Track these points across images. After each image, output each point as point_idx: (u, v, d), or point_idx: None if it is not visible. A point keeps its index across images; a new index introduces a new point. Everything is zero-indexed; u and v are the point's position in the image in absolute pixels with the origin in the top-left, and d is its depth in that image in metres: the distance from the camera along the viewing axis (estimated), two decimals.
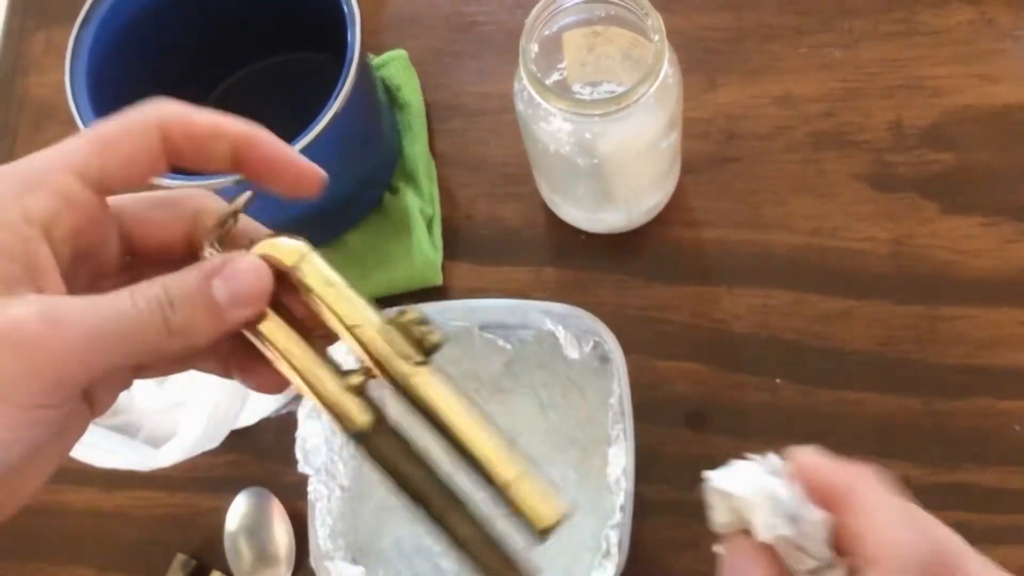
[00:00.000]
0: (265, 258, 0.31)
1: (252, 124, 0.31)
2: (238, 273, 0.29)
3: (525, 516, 0.29)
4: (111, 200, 0.30)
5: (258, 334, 0.31)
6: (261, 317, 0.31)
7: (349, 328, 0.30)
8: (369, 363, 0.30)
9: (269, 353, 0.31)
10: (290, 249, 0.31)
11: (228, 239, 0.32)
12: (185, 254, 0.32)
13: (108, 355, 0.27)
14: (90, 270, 0.31)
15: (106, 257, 0.31)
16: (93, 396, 0.31)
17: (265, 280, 0.30)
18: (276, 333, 0.31)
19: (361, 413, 0.30)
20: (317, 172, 0.32)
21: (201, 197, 0.32)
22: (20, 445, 0.27)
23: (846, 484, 0.32)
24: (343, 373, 0.31)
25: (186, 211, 0.32)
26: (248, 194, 0.32)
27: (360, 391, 0.30)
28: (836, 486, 0.32)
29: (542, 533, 0.29)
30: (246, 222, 0.33)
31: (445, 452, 0.30)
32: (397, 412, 0.30)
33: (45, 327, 0.26)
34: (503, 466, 0.29)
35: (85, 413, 0.31)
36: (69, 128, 0.71)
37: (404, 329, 0.30)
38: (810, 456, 0.33)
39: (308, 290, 0.30)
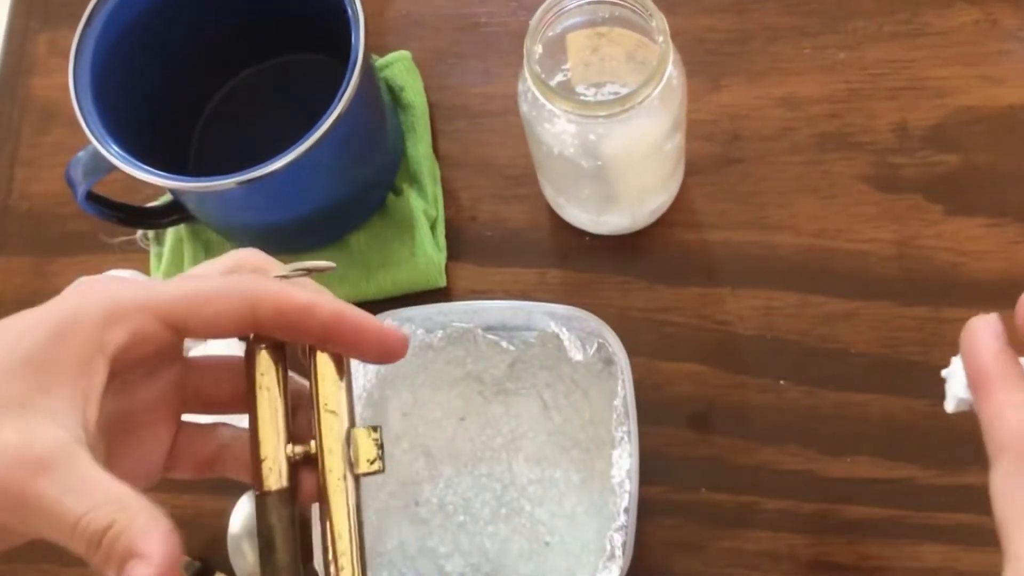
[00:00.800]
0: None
1: (339, 301, 0.33)
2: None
3: None
4: (164, 316, 0.32)
5: (251, 356, 0.34)
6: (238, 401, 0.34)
7: (322, 408, 0.33)
8: (316, 446, 0.33)
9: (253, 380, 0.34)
10: None
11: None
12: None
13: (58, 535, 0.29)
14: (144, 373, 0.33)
15: (163, 371, 0.34)
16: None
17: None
18: (266, 372, 0.34)
19: (279, 477, 0.33)
20: (401, 337, 0.34)
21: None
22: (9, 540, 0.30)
23: (988, 373, 0.33)
24: (293, 442, 0.33)
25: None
26: None
27: (293, 463, 0.33)
28: (982, 372, 0.34)
29: None
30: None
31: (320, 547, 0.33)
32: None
33: (53, 476, 0.28)
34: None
35: None
36: (73, 130, 0.71)
37: (363, 443, 0.33)
38: (977, 339, 0.35)
39: (314, 361, 0.33)
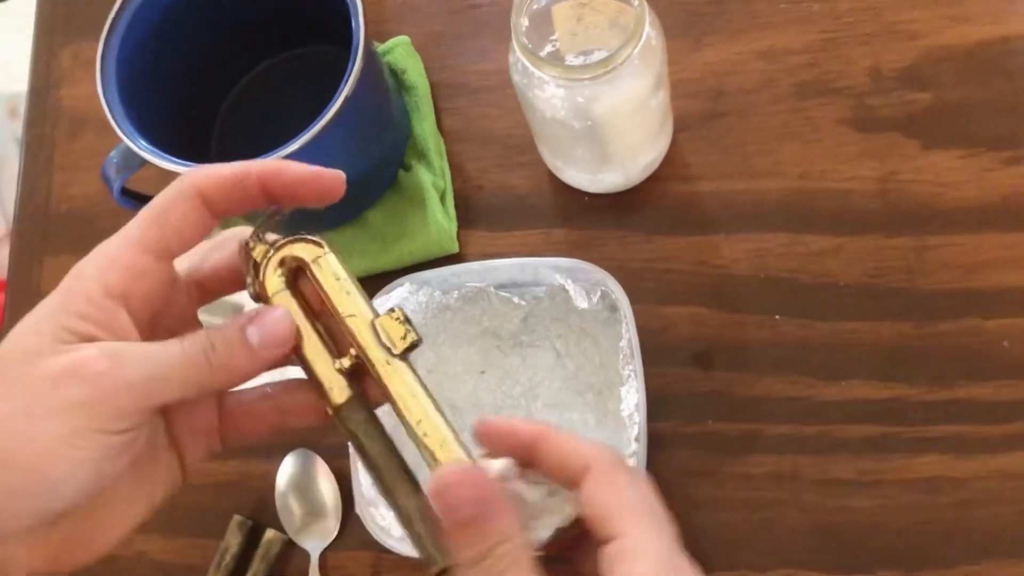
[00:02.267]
0: (287, 257, 0.37)
1: (269, 159, 0.37)
2: (268, 321, 0.35)
3: None
4: (176, 263, 0.36)
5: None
6: (287, 356, 0.37)
7: (344, 317, 0.36)
8: (356, 349, 0.36)
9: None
10: (308, 248, 0.37)
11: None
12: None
13: (163, 387, 0.34)
14: (169, 326, 0.37)
15: (180, 311, 0.37)
16: (182, 450, 0.37)
17: (290, 326, 0.36)
18: (296, 316, 0.37)
19: (341, 390, 0.36)
20: (336, 175, 0.37)
21: (245, 231, 0.38)
22: (90, 465, 0.32)
23: (535, 435, 0.37)
24: (338, 357, 0.37)
25: (235, 245, 0.38)
26: (275, 208, 0.37)
27: (348, 373, 0.36)
28: (529, 437, 0.37)
29: None
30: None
31: (403, 430, 0.36)
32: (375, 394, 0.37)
33: (109, 362, 0.32)
34: (433, 444, 0.36)
35: (174, 470, 0.37)
36: (103, 135, 0.76)
37: (389, 325, 0.36)
38: (499, 425, 0.38)
39: (319, 283, 0.37)
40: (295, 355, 0.37)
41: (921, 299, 0.60)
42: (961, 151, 0.62)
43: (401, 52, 0.70)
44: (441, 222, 0.65)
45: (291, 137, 0.57)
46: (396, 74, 0.69)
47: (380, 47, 0.70)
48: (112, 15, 0.60)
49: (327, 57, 0.70)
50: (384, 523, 0.55)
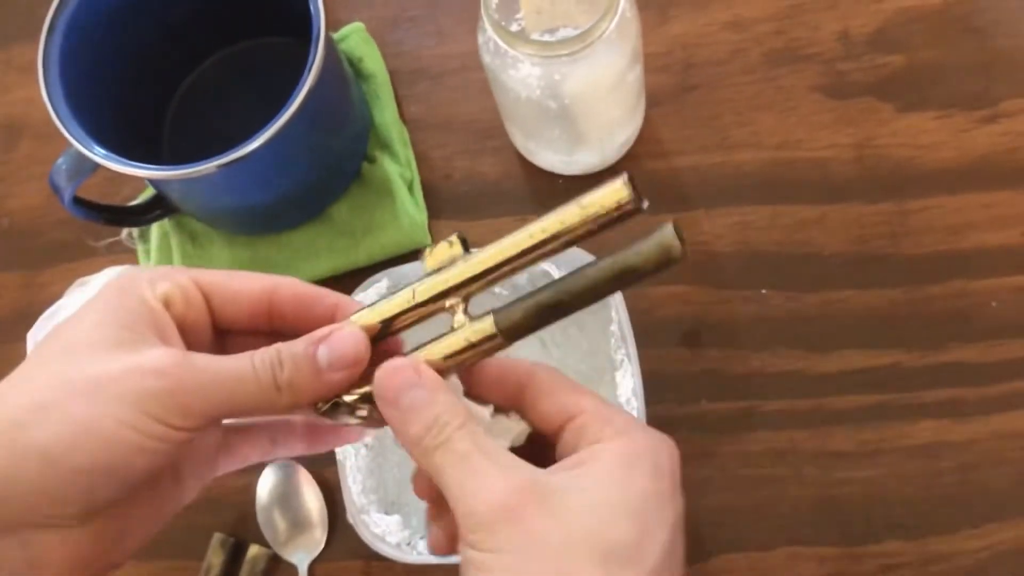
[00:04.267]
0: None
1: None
2: (338, 340, 0.34)
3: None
4: (198, 280, 0.36)
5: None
6: (357, 382, 0.35)
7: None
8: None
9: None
10: None
11: None
12: (267, 327, 0.37)
13: (228, 399, 0.33)
14: (191, 345, 0.36)
15: (203, 336, 0.37)
16: (181, 474, 0.37)
17: (362, 347, 0.35)
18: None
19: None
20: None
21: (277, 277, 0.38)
22: (148, 456, 0.32)
23: (526, 377, 0.38)
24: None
25: (260, 281, 0.37)
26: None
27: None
28: (521, 378, 0.38)
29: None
30: None
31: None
32: None
33: (183, 364, 0.33)
34: None
35: (179, 490, 0.37)
36: (43, 142, 0.72)
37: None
38: (493, 363, 0.38)
39: None
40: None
41: (907, 264, 0.59)
42: (936, 112, 0.61)
43: (356, 39, 0.67)
44: (412, 214, 0.63)
45: (243, 134, 0.54)
46: (353, 63, 0.67)
47: (334, 35, 0.67)
48: (51, 15, 0.56)
49: (279, 49, 0.67)
50: (378, 530, 0.53)
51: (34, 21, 0.57)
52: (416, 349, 0.36)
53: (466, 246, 0.36)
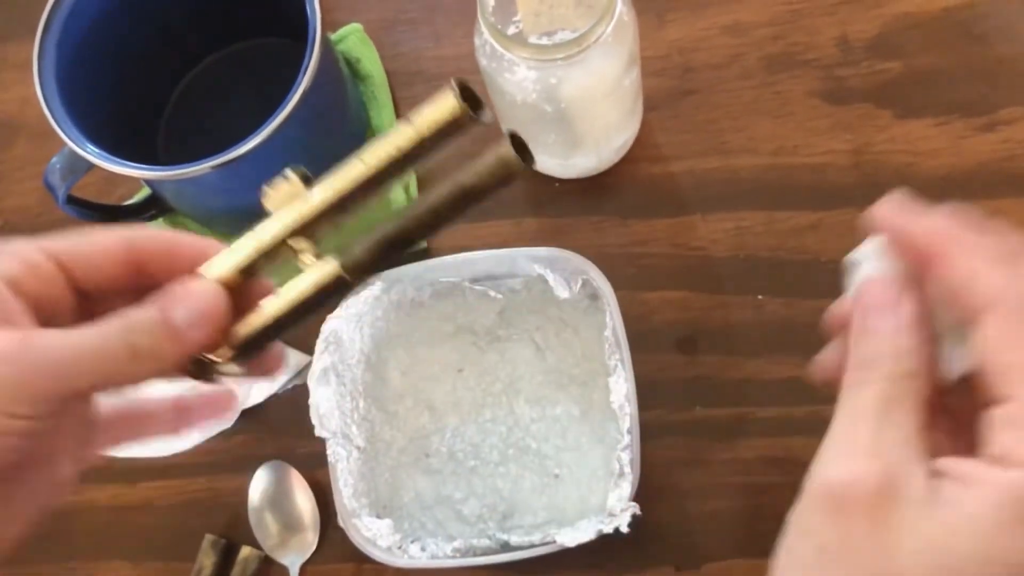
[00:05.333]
0: None
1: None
2: (193, 296, 0.32)
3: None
4: (48, 250, 0.33)
5: None
6: (218, 341, 0.33)
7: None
8: None
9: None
10: None
11: None
12: (132, 285, 0.34)
13: (78, 376, 0.30)
14: (54, 319, 0.33)
15: (65, 307, 0.34)
16: (55, 458, 0.34)
17: (220, 299, 0.32)
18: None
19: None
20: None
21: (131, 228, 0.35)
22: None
23: (931, 244, 0.32)
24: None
25: (113, 236, 0.34)
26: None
27: None
28: (924, 246, 0.32)
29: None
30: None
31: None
32: None
33: (22, 347, 0.30)
34: None
35: (53, 478, 0.34)
36: (38, 141, 0.72)
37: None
38: (892, 219, 0.35)
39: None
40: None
41: None
42: (934, 119, 0.61)
43: (354, 40, 0.67)
44: None
45: (239, 134, 0.54)
46: (350, 64, 0.66)
47: (332, 36, 0.67)
48: (46, 14, 0.56)
49: (275, 49, 0.67)
50: (369, 534, 0.53)
51: (30, 20, 0.57)
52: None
53: (307, 181, 0.34)
